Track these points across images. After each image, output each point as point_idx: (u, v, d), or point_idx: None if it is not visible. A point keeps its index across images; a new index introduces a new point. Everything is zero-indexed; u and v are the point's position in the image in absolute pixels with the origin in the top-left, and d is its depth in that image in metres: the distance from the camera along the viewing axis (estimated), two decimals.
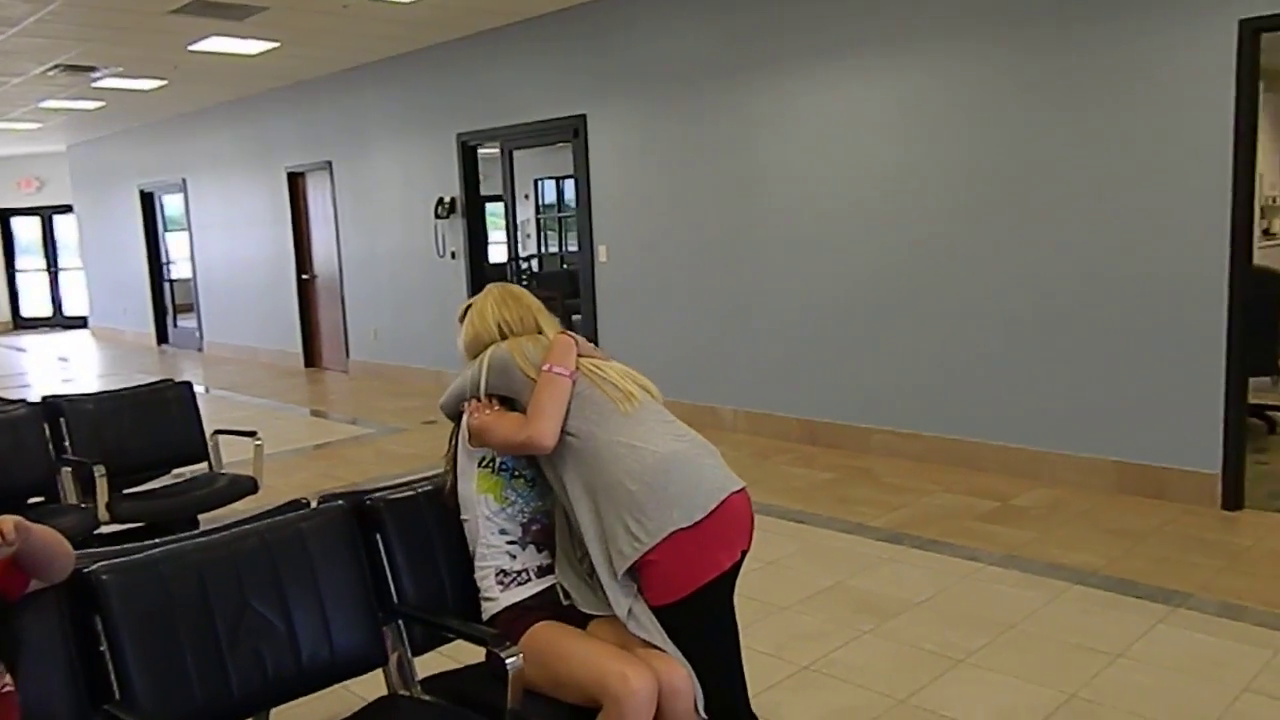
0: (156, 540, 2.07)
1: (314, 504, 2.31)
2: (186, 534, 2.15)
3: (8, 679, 1.64)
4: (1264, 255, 4.36)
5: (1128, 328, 4.70)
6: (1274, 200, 9.04)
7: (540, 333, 2.31)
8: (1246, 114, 4.23)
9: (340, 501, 2.29)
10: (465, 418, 2.26)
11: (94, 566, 1.90)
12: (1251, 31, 4.18)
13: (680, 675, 1.99)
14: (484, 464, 2.26)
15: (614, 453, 2.04)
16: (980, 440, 5.28)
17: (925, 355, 5.46)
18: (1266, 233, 8.73)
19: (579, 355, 2.21)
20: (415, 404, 8.09)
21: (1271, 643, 3.18)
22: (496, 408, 2.23)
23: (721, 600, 2.04)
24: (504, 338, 2.28)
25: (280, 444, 6.60)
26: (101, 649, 1.87)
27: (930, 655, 3.19)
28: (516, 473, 2.28)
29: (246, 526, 2.15)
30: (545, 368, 2.15)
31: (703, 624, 2.03)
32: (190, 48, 7.66)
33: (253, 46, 7.80)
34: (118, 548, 2.01)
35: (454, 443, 2.31)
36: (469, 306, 2.39)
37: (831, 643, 3.31)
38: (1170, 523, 4.36)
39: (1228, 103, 4.26)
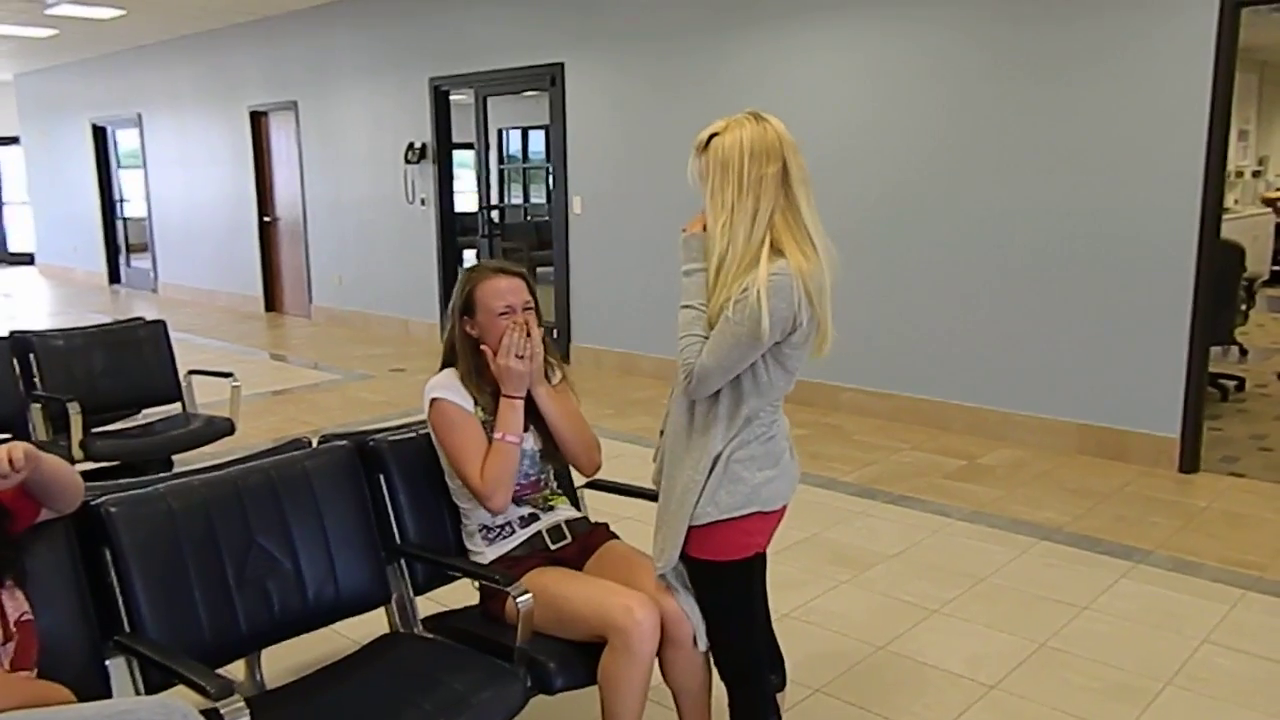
0: (161, 475, 2.06)
1: (315, 444, 2.31)
2: (187, 470, 2.13)
3: (26, 607, 1.63)
4: (1223, 229, 4.56)
5: (1094, 294, 4.81)
6: (1232, 175, 9.24)
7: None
8: (1224, 86, 4.31)
9: (344, 442, 2.28)
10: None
11: (101, 499, 1.89)
12: (1233, 5, 4.25)
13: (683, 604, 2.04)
14: None
15: (759, 419, 1.98)
16: (947, 401, 5.39)
17: (896, 317, 5.53)
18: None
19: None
20: (381, 351, 8.03)
21: (1227, 597, 3.33)
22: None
23: (749, 576, 2.04)
24: None
25: (244, 388, 6.48)
26: (110, 581, 1.86)
27: (906, 605, 3.29)
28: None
29: (252, 464, 2.15)
30: (498, 435, 2.19)
31: (726, 590, 2.03)
32: None
33: None
34: (123, 481, 1.99)
35: None
36: None
37: (810, 591, 3.39)
38: (1129, 484, 4.50)
39: (1205, 74, 4.33)
